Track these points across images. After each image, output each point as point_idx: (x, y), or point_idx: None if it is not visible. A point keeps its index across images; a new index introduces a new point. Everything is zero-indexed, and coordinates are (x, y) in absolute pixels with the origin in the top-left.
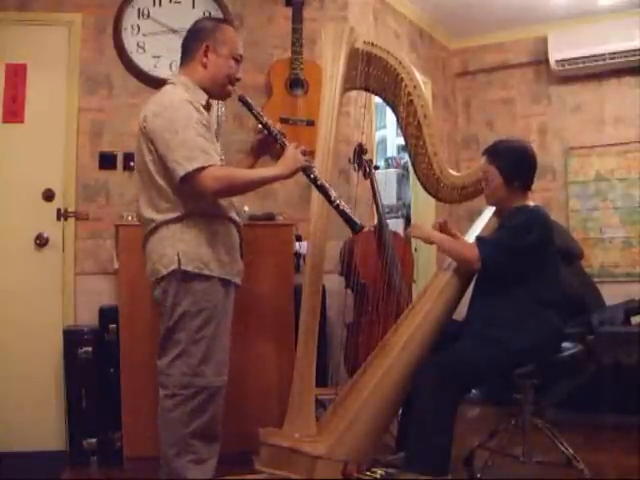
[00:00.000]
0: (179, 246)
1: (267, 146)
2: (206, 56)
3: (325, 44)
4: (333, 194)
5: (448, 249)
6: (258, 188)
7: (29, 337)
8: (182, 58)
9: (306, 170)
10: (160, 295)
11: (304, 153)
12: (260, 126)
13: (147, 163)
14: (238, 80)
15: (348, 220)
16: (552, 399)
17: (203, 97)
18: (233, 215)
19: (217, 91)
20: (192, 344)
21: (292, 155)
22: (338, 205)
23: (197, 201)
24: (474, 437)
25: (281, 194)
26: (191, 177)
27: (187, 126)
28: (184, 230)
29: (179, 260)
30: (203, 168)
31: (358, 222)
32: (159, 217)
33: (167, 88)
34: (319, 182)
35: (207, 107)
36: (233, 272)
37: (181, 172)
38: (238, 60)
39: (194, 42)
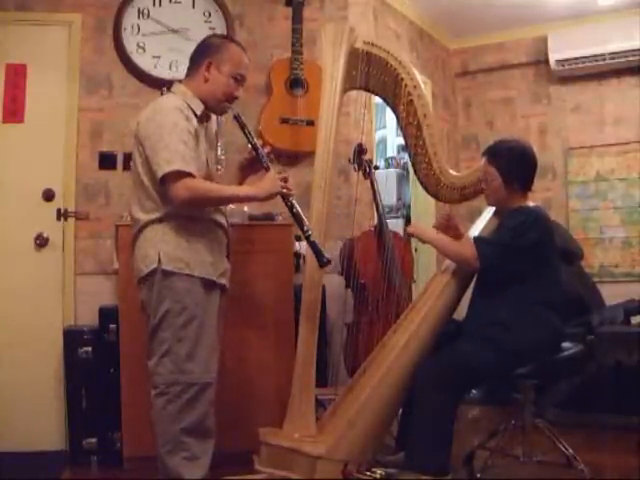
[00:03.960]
0: (160, 246)
1: (255, 167)
2: (208, 71)
3: (325, 44)
4: (306, 224)
5: (445, 249)
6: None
7: (29, 337)
8: (188, 70)
9: (283, 197)
10: (145, 297)
11: (284, 180)
12: (250, 146)
13: (137, 165)
14: (236, 98)
15: (317, 253)
16: (552, 399)
17: (199, 106)
18: (217, 217)
19: (214, 106)
20: (177, 342)
21: (271, 180)
22: (309, 236)
23: None
24: (474, 437)
25: None
26: (167, 181)
27: (172, 132)
28: (166, 231)
29: (159, 260)
30: (179, 174)
31: (326, 257)
32: (144, 217)
33: (164, 96)
34: (295, 210)
35: (204, 118)
36: (216, 273)
37: (160, 173)
38: (239, 80)
39: (200, 56)
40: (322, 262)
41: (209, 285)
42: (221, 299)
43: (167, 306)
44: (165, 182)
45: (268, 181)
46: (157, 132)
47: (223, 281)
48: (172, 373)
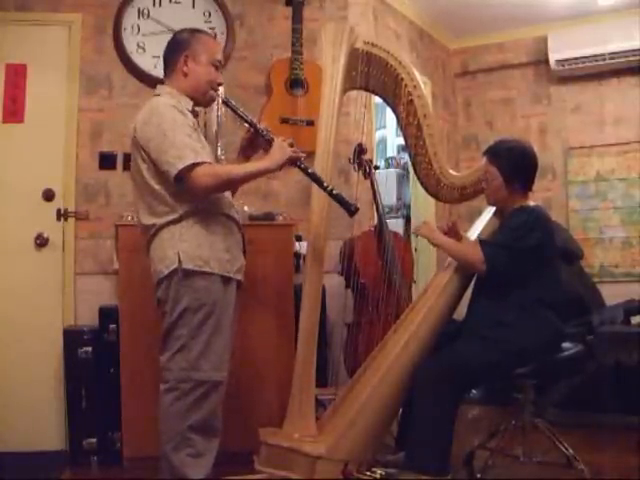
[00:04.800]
0: (179, 246)
1: (256, 144)
2: (186, 65)
3: (325, 44)
4: (325, 180)
5: (452, 252)
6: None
7: (29, 337)
8: (165, 70)
9: (295, 161)
10: (162, 294)
11: (291, 145)
12: (247, 125)
13: (142, 171)
14: (220, 85)
15: (343, 203)
16: (552, 399)
17: (188, 103)
18: (232, 213)
19: (200, 97)
20: (191, 339)
21: (280, 148)
22: (332, 190)
23: (194, 201)
24: (474, 437)
25: (281, 194)
26: (183, 175)
27: (174, 128)
28: (183, 231)
29: (179, 259)
30: (194, 166)
31: (353, 204)
32: (159, 221)
33: (153, 99)
34: (310, 170)
35: (194, 113)
36: (233, 269)
37: (174, 171)
38: (217, 66)
39: (174, 53)
40: (350, 210)
41: (226, 281)
42: (236, 294)
43: (185, 304)
44: (182, 178)
45: (277, 149)
46: (159, 132)
47: (239, 277)
48: (184, 370)
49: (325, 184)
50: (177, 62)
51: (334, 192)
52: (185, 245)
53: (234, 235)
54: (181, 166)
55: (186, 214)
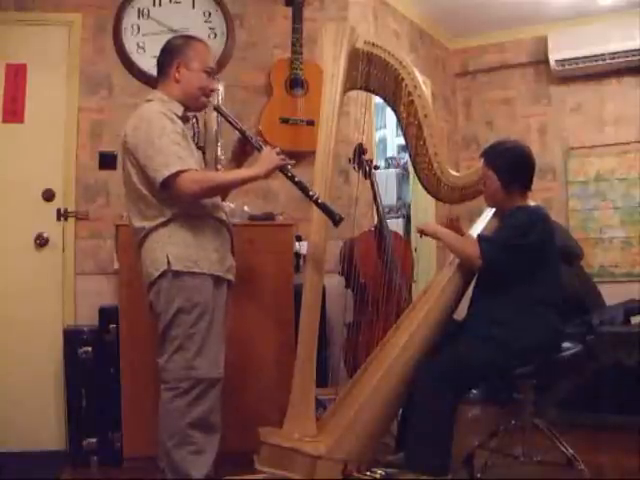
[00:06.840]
0: (168, 248)
1: (248, 151)
2: (178, 72)
3: (326, 44)
4: (311, 189)
5: (451, 244)
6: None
7: (29, 337)
8: (158, 76)
9: (282, 169)
10: (154, 297)
11: (279, 153)
12: (237, 132)
13: (131, 176)
14: (213, 91)
15: (328, 213)
16: (552, 399)
17: (179, 109)
18: (220, 215)
19: (192, 104)
20: (187, 339)
21: (268, 155)
22: (317, 199)
23: (182, 204)
24: (474, 437)
25: (281, 194)
26: (169, 182)
27: (162, 136)
28: (172, 233)
29: (169, 261)
30: (179, 173)
31: (337, 214)
32: (149, 224)
33: (144, 105)
34: (296, 179)
35: (184, 119)
36: (223, 269)
37: (160, 178)
38: (210, 73)
39: (167, 60)
40: (335, 220)
41: (217, 281)
42: (227, 294)
43: (178, 304)
44: (168, 185)
45: (265, 157)
46: (148, 139)
47: (230, 276)
48: (182, 369)
49: (311, 193)
50: (170, 68)
51: (319, 201)
52: (173, 247)
53: (223, 236)
54: (167, 173)
55: (174, 217)
